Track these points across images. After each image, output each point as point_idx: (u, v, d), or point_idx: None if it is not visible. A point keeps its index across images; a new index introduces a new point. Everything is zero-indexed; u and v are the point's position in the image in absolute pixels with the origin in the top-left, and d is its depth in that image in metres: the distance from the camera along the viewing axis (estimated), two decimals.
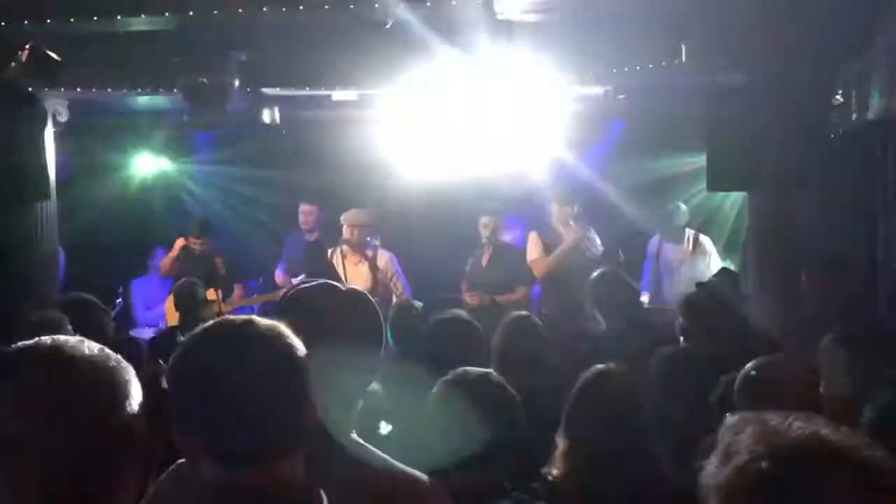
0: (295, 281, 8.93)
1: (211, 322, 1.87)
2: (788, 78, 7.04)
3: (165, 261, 9.16)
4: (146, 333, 8.26)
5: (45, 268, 7.82)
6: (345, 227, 8.39)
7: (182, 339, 1.81)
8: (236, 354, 1.79)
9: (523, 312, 5.57)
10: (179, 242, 9.05)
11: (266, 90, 7.81)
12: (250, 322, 1.91)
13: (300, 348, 1.84)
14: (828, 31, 6.69)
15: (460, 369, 3.14)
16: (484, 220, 8.33)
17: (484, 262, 8.34)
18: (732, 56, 7.03)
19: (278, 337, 1.84)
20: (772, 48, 6.84)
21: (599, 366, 3.46)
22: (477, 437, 2.84)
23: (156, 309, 9.32)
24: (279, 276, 9.39)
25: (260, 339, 1.82)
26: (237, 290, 8.80)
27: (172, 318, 8.23)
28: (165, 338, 6.75)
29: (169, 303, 8.51)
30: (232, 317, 1.89)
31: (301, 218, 9.56)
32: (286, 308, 2.25)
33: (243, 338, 1.82)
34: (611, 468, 3.06)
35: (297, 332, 1.87)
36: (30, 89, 7.10)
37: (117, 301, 9.03)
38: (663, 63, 7.02)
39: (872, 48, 6.36)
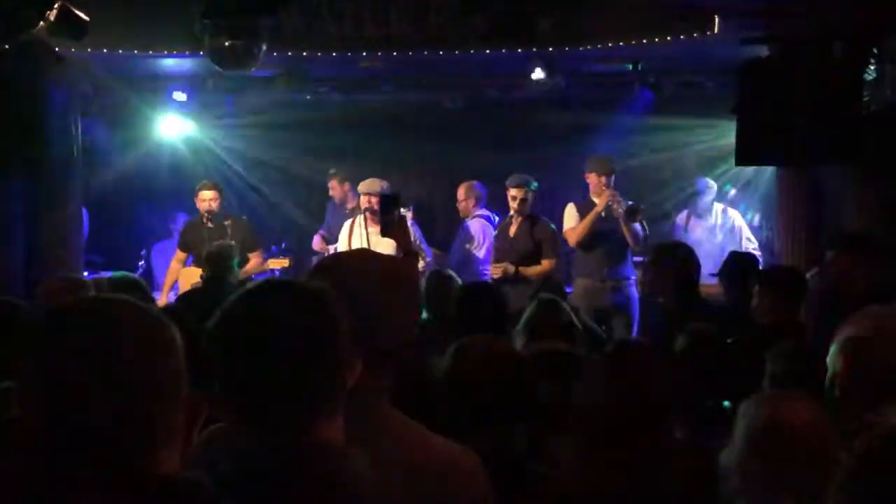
0: (331, 248, 9.01)
1: (253, 283, 1.86)
2: (821, 52, 6.97)
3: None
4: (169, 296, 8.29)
5: (69, 229, 7.83)
6: (364, 196, 8.32)
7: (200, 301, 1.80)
8: (277, 315, 1.78)
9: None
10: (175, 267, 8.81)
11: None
12: (292, 284, 1.89)
13: (340, 310, 1.82)
14: (863, 4, 6.61)
15: (470, 336, 3.12)
16: (513, 191, 8.24)
17: (511, 232, 8.28)
18: (765, 28, 6.97)
19: (319, 299, 1.83)
20: (805, 21, 6.77)
21: (622, 339, 3.42)
22: (486, 404, 2.82)
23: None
24: (316, 241, 9.44)
25: (300, 300, 1.81)
26: (256, 257, 8.70)
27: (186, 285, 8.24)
28: (188, 300, 6.79)
29: (184, 275, 8.50)
30: (273, 278, 1.88)
31: (329, 191, 9.74)
32: (326, 271, 2.23)
33: (284, 299, 1.82)
34: (623, 442, 3.02)
35: (336, 294, 1.85)
36: (57, 49, 7.09)
37: (140, 264, 9.06)
38: (695, 34, 6.97)
39: None
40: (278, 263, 9.05)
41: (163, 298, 8.19)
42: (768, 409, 2.46)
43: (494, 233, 8.46)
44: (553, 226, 8.29)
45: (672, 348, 4.14)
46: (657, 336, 5.34)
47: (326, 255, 9.06)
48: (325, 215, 9.92)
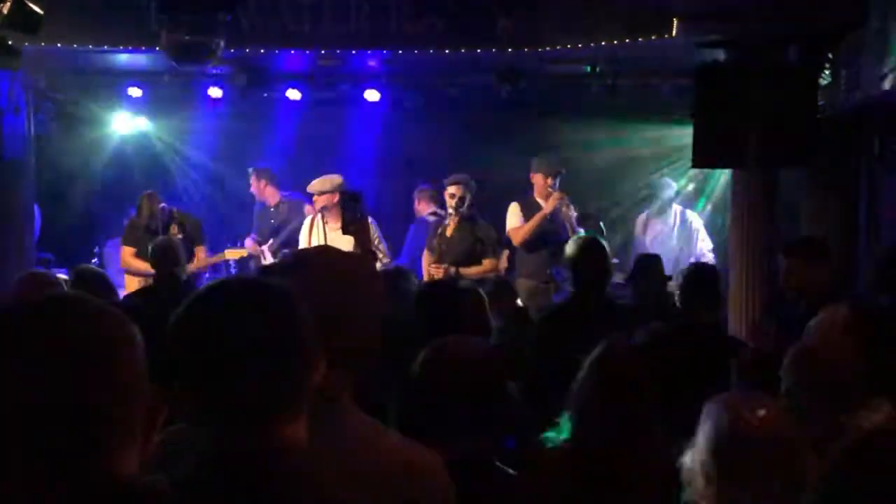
0: (264, 248, 8.97)
1: (215, 280, 1.83)
2: (777, 56, 7.04)
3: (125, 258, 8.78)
4: (120, 294, 8.19)
5: (21, 225, 7.72)
6: (319, 196, 8.25)
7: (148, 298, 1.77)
8: (239, 312, 1.75)
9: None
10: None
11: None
12: (254, 280, 1.86)
13: (304, 308, 1.80)
14: (819, 10, 6.68)
15: (443, 338, 3.09)
16: (451, 189, 8.07)
17: (449, 232, 8.11)
18: (721, 32, 7.02)
19: (282, 296, 1.80)
20: (762, 25, 6.83)
21: (609, 338, 3.39)
22: (460, 408, 2.80)
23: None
24: (248, 243, 9.35)
25: (263, 297, 1.79)
26: (200, 252, 8.60)
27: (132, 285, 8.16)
28: (138, 298, 6.71)
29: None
30: (235, 275, 1.85)
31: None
32: (288, 269, 2.20)
33: (246, 295, 1.79)
34: (611, 445, 3.03)
35: (299, 293, 1.83)
36: (10, 42, 6.97)
37: (93, 261, 8.94)
38: (653, 37, 7.00)
39: (863, 29, 6.35)
40: (236, 254, 8.92)
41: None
42: (731, 411, 2.46)
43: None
44: (492, 226, 8.19)
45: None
46: None
47: (261, 257, 9.05)
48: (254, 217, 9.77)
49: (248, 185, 9.63)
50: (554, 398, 3.40)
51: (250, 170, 9.64)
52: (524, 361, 4.65)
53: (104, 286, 5.72)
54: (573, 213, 8.00)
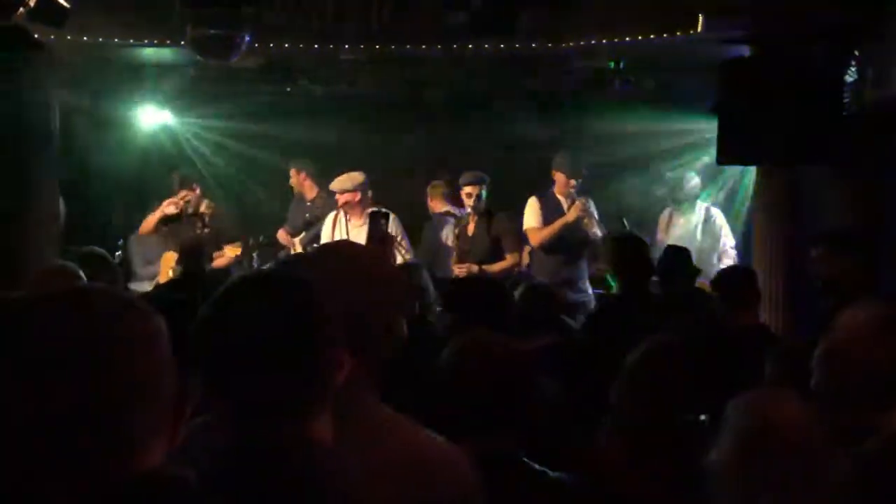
0: (295, 240, 9.00)
1: (238, 277, 1.84)
2: (802, 53, 6.99)
3: (149, 221, 8.98)
4: (145, 287, 8.23)
5: (46, 218, 7.75)
6: (341, 194, 8.30)
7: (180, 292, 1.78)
8: (263, 307, 1.76)
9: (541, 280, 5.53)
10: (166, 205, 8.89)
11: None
12: (278, 278, 1.86)
13: (327, 303, 1.80)
14: (845, 6, 6.64)
15: (472, 332, 3.08)
16: (467, 189, 8.14)
17: (470, 231, 8.17)
18: (747, 28, 6.98)
19: (305, 291, 1.81)
20: (788, 21, 6.79)
21: (651, 339, 3.37)
22: (487, 403, 2.80)
23: (156, 263, 9.26)
24: (281, 234, 9.43)
25: (287, 292, 1.80)
26: (227, 249, 8.66)
27: (166, 274, 8.23)
28: (165, 292, 6.75)
29: (165, 259, 8.49)
30: (259, 272, 1.85)
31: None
32: (311, 264, 2.21)
33: (270, 291, 1.80)
34: (655, 444, 3.00)
35: (323, 288, 1.83)
36: (36, 35, 7.01)
37: (117, 254, 8.97)
38: (678, 33, 6.97)
39: (889, 26, 6.31)
40: (232, 252, 8.94)
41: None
42: (756, 408, 2.45)
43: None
44: (510, 220, 8.20)
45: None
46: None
47: (291, 248, 9.08)
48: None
49: (288, 178, 9.66)
50: (599, 397, 3.39)
51: (291, 163, 9.67)
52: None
53: (108, 270, 5.70)
54: (595, 221, 8.00)
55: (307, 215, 9.36)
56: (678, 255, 6.63)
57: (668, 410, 3.08)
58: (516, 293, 5.00)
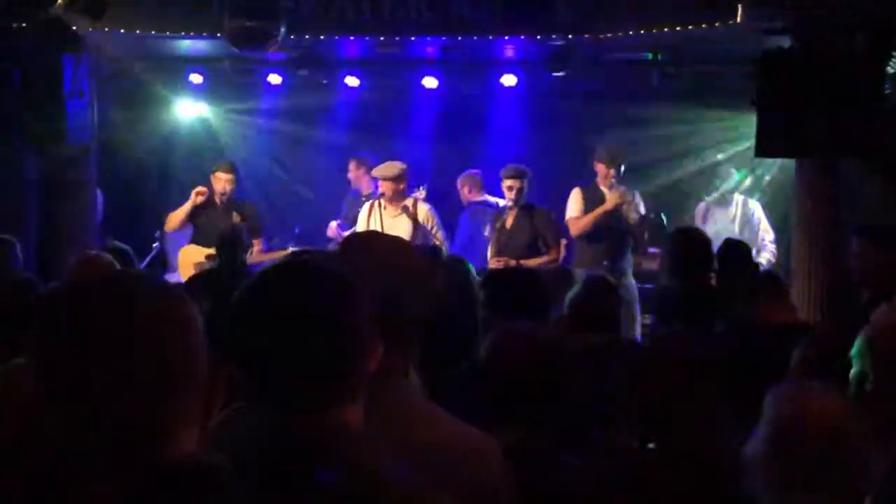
0: (345, 233, 8.97)
1: (274, 264, 1.84)
2: (843, 44, 6.91)
3: (175, 215, 8.77)
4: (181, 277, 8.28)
5: (84, 210, 7.82)
6: (383, 181, 8.32)
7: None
8: (297, 295, 1.75)
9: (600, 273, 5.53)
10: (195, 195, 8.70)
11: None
12: (312, 264, 1.86)
13: (360, 291, 1.80)
14: None
15: (510, 324, 3.07)
16: (508, 182, 8.11)
17: (508, 224, 8.15)
18: (787, 18, 6.91)
19: (340, 281, 1.80)
20: (828, 12, 6.71)
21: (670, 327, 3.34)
22: (523, 395, 2.78)
23: None
24: (331, 227, 9.33)
25: (321, 281, 1.79)
26: (256, 245, 8.64)
27: (186, 271, 8.24)
28: (203, 280, 6.80)
29: (183, 255, 8.51)
30: (293, 258, 1.85)
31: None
32: (345, 253, 2.21)
33: (304, 279, 1.80)
34: (670, 433, 2.97)
35: (357, 276, 1.83)
36: (74, 28, 7.06)
37: (154, 245, 9.03)
38: (717, 24, 6.91)
39: None
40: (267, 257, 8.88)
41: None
42: (791, 401, 2.42)
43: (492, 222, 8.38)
44: (549, 213, 8.20)
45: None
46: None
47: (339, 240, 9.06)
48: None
49: (346, 171, 9.66)
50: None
51: (352, 157, 9.65)
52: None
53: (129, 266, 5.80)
54: (634, 214, 7.97)
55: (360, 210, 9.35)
56: (735, 248, 6.48)
57: (704, 408, 3.03)
58: (572, 288, 4.94)
